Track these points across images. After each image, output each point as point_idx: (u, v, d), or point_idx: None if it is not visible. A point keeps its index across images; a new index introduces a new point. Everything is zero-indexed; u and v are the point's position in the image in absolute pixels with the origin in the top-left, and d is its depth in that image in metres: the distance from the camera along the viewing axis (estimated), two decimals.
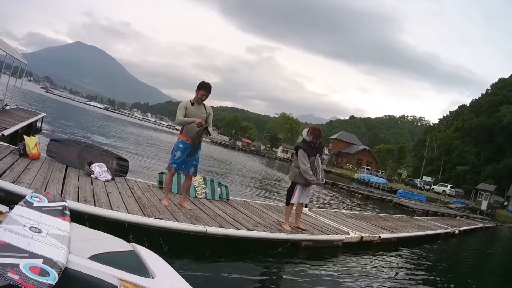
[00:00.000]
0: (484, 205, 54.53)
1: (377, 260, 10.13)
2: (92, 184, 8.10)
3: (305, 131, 9.41)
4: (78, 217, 5.10)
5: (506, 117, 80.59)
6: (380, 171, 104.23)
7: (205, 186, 10.54)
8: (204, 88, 8.14)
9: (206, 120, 8.19)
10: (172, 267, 3.35)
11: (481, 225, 28.40)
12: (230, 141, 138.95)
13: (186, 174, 8.46)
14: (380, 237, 11.38)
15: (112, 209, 6.53)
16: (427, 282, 9.43)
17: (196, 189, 10.25)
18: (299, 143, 9.37)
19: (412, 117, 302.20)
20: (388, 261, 10.38)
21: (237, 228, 7.84)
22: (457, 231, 18.95)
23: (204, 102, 8.30)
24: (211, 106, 8.50)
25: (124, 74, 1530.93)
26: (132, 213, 6.64)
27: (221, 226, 7.58)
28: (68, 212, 3.36)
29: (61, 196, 6.26)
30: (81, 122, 49.40)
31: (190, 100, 8.20)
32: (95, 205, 6.43)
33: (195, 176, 8.84)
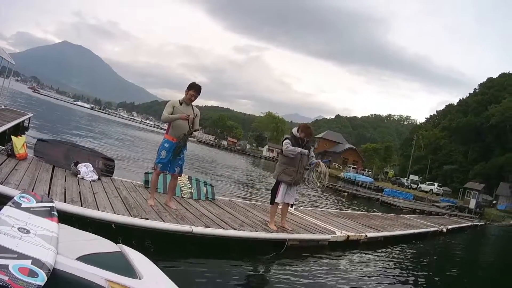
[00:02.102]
0: (472, 204, 54.94)
1: (363, 259, 10.20)
2: (78, 184, 8.11)
3: (295, 129, 9.49)
4: (65, 218, 5.13)
5: (495, 116, 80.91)
6: (367, 170, 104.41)
7: (190, 186, 10.56)
8: (194, 89, 8.16)
9: (193, 121, 8.24)
10: (159, 267, 3.39)
11: (470, 223, 28.66)
12: (216, 141, 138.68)
13: (172, 173, 8.48)
14: (366, 236, 11.47)
15: (98, 210, 6.53)
16: (414, 281, 9.52)
17: (182, 188, 10.28)
18: (287, 136, 9.43)
19: (398, 116, 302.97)
20: (375, 260, 10.45)
21: (223, 228, 7.88)
22: (445, 230, 19.08)
23: (192, 102, 8.34)
24: (197, 106, 8.52)
25: (110, 73, 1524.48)
26: (118, 213, 6.66)
27: (207, 226, 7.61)
28: (55, 213, 3.39)
29: (48, 196, 6.27)
30: (68, 122, 49.20)
31: (179, 100, 8.22)
32: (81, 206, 6.44)
33: (181, 175, 8.83)
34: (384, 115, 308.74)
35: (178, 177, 8.81)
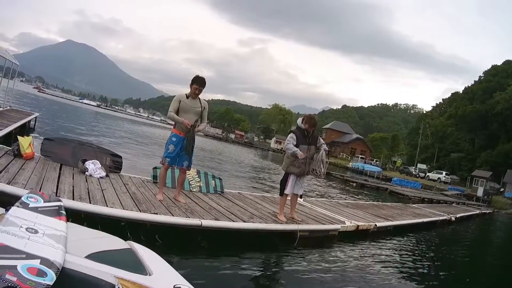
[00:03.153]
0: (480, 192, 54.60)
1: (373, 249, 10.18)
2: (86, 181, 8.09)
3: (299, 120, 9.46)
4: (73, 216, 5.11)
5: (500, 103, 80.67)
6: (374, 159, 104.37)
7: (199, 180, 10.56)
8: (197, 82, 8.10)
9: (201, 115, 8.21)
10: (169, 262, 3.37)
11: (478, 211, 28.43)
12: (223, 134, 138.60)
13: (180, 168, 8.45)
14: (376, 225, 11.44)
15: (107, 206, 6.52)
16: (424, 270, 9.49)
17: (190, 182, 10.28)
18: (292, 129, 9.44)
19: (405, 105, 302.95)
20: (385, 250, 10.42)
21: (233, 221, 7.86)
22: (453, 218, 19.00)
23: (199, 95, 8.29)
24: (204, 99, 8.47)
25: (115, 70, 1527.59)
26: (127, 209, 6.65)
27: (216, 219, 7.59)
28: (64, 212, 3.37)
29: (56, 195, 6.26)
30: (74, 120, 49.28)
31: (185, 94, 8.18)
32: (90, 203, 6.43)
33: (189, 170, 8.79)
34: (390, 104, 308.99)
35: (187, 171, 8.79)
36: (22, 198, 3.33)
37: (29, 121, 22.52)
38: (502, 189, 63.33)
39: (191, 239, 7.22)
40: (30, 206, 3.21)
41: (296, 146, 8.96)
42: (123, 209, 6.62)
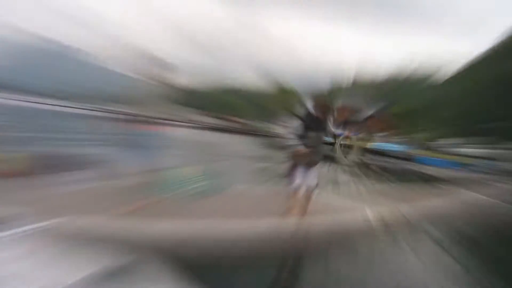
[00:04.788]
0: None
1: (400, 240, 10.03)
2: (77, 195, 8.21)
3: (307, 101, 9.35)
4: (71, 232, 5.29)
5: None
6: (399, 137, 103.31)
7: (201, 179, 10.67)
8: None
9: None
10: (174, 272, 3.53)
11: None
12: (218, 123, 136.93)
13: None
14: (403, 214, 11.38)
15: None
16: (463, 264, 9.11)
17: (193, 183, 10.41)
18: (299, 113, 9.24)
19: (428, 71, 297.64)
20: (415, 241, 10.17)
21: (240, 220, 8.09)
22: (503, 202, 18.33)
23: None
24: None
25: (94, 67, 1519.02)
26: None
27: (222, 220, 7.83)
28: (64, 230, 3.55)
29: (47, 213, 6.42)
30: (74, 128, 49.36)
31: None
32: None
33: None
34: (411, 72, 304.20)
35: (188, 171, 8.90)
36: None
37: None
38: None
39: (197, 244, 7.37)
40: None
41: (304, 134, 8.86)
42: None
